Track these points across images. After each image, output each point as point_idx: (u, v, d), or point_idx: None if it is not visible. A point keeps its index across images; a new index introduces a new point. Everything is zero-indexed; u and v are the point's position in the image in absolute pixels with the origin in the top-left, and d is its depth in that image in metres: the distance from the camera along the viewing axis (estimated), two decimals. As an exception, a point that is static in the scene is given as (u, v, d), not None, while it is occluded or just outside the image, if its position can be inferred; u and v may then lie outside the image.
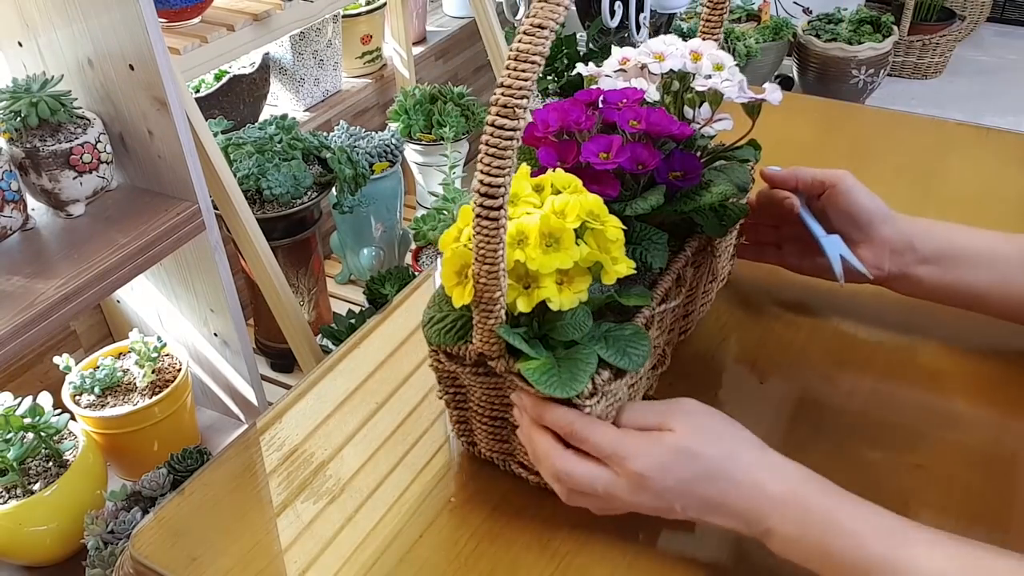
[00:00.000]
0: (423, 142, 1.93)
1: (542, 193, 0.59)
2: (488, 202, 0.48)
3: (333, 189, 1.54)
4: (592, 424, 0.56)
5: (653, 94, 0.71)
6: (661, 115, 0.65)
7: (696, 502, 0.55)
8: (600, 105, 0.68)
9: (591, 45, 2.29)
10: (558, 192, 0.59)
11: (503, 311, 0.54)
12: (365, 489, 0.65)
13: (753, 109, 0.70)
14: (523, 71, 0.46)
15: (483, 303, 0.53)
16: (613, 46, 0.78)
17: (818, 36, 2.78)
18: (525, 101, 0.46)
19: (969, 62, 3.11)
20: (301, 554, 0.61)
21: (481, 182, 0.48)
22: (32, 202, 1.11)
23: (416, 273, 1.68)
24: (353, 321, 1.53)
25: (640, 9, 2.36)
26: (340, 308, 1.73)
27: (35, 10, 1.09)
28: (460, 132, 1.87)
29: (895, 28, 2.79)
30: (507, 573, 0.58)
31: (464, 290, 0.54)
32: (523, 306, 0.55)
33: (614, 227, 0.57)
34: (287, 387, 1.40)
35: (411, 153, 1.98)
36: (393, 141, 1.74)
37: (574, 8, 2.41)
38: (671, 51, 0.70)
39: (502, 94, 0.46)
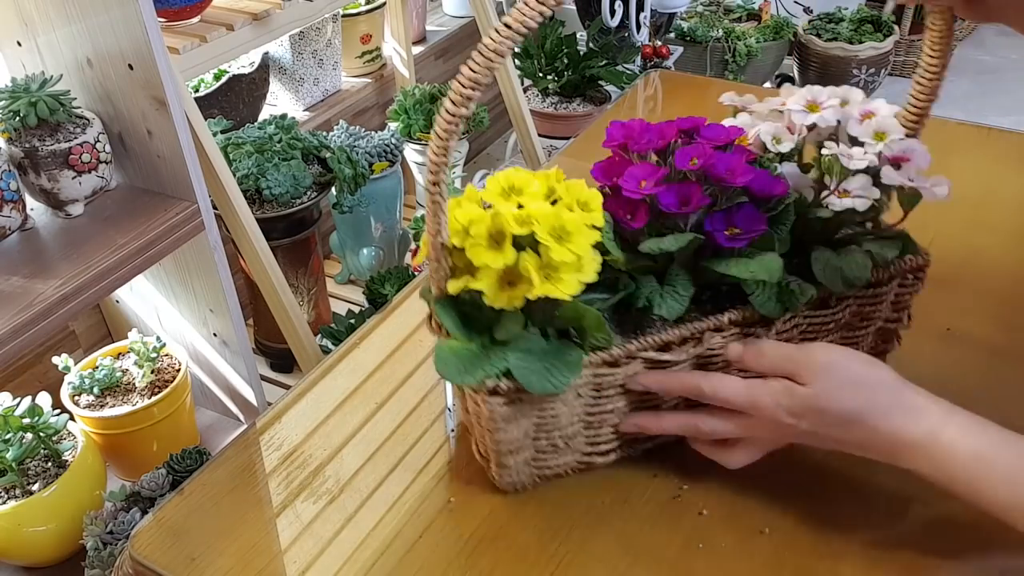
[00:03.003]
0: (423, 142, 1.93)
1: (550, 199, 0.55)
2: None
3: (333, 189, 1.54)
4: (720, 380, 0.58)
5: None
6: (731, 160, 0.58)
7: (835, 444, 0.57)
8: (695, 137, 0.61)
9: (591, 44, 2.29)
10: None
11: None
12: (365, 489, 0.65)
13: (908, 200, 0.58)
14: (479, 63, 0.49)
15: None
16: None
17: (819, 35, 2.78)
18: (476, 92, 0.49)
19: (971, 62, 3.11)
20: (300, 554, 0.61)
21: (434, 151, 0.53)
22: (31, 202, 1.11)
23: (416, 273, 1.67)
24: (353, 321, 1.53)
25: (640, 8, 2.36)
26: (340, 308, 1.73)
27: (34, 9, 1.08)
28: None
29: (896, 27, 2.79)
30: (506, 573, 0.58)
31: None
32: (455, 288, 0.55)
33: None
34: (286, 387, 1.40)
35: (411, 153, 1.98)
36: (393, 141, 1.73)
37: (574, 7, 2.41)
38: (828, 103, 0.61)
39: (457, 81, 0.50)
